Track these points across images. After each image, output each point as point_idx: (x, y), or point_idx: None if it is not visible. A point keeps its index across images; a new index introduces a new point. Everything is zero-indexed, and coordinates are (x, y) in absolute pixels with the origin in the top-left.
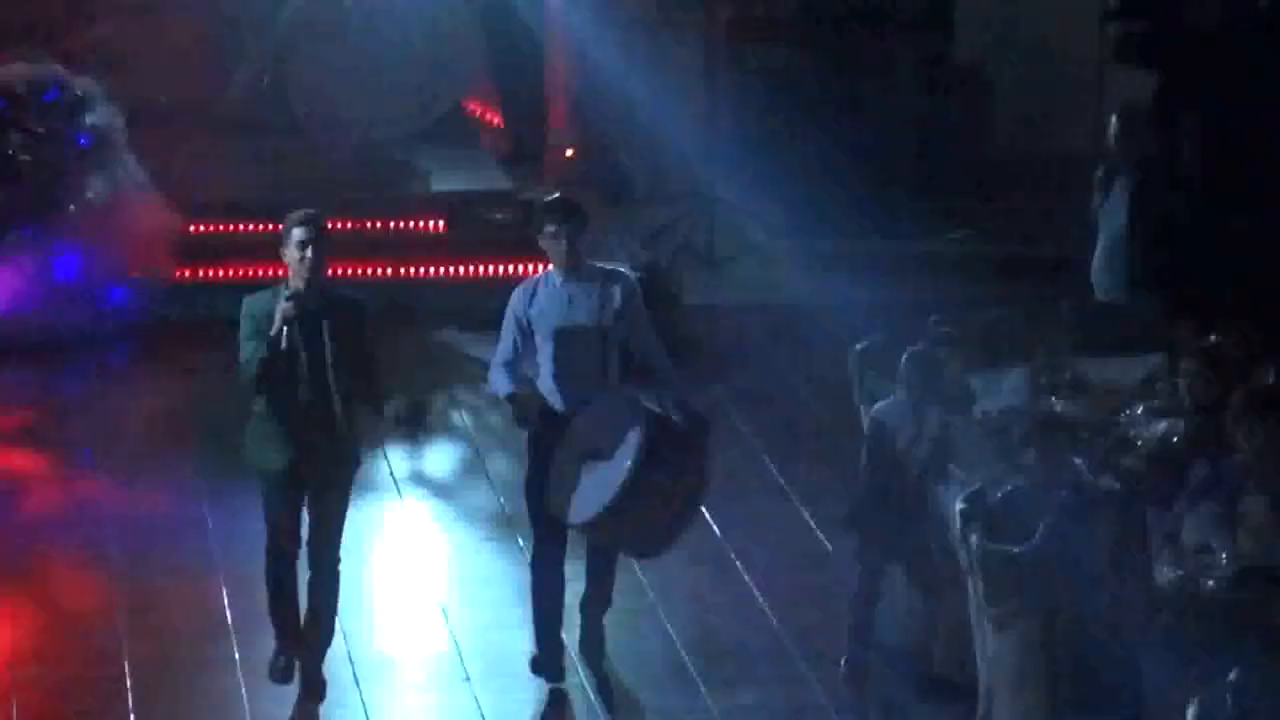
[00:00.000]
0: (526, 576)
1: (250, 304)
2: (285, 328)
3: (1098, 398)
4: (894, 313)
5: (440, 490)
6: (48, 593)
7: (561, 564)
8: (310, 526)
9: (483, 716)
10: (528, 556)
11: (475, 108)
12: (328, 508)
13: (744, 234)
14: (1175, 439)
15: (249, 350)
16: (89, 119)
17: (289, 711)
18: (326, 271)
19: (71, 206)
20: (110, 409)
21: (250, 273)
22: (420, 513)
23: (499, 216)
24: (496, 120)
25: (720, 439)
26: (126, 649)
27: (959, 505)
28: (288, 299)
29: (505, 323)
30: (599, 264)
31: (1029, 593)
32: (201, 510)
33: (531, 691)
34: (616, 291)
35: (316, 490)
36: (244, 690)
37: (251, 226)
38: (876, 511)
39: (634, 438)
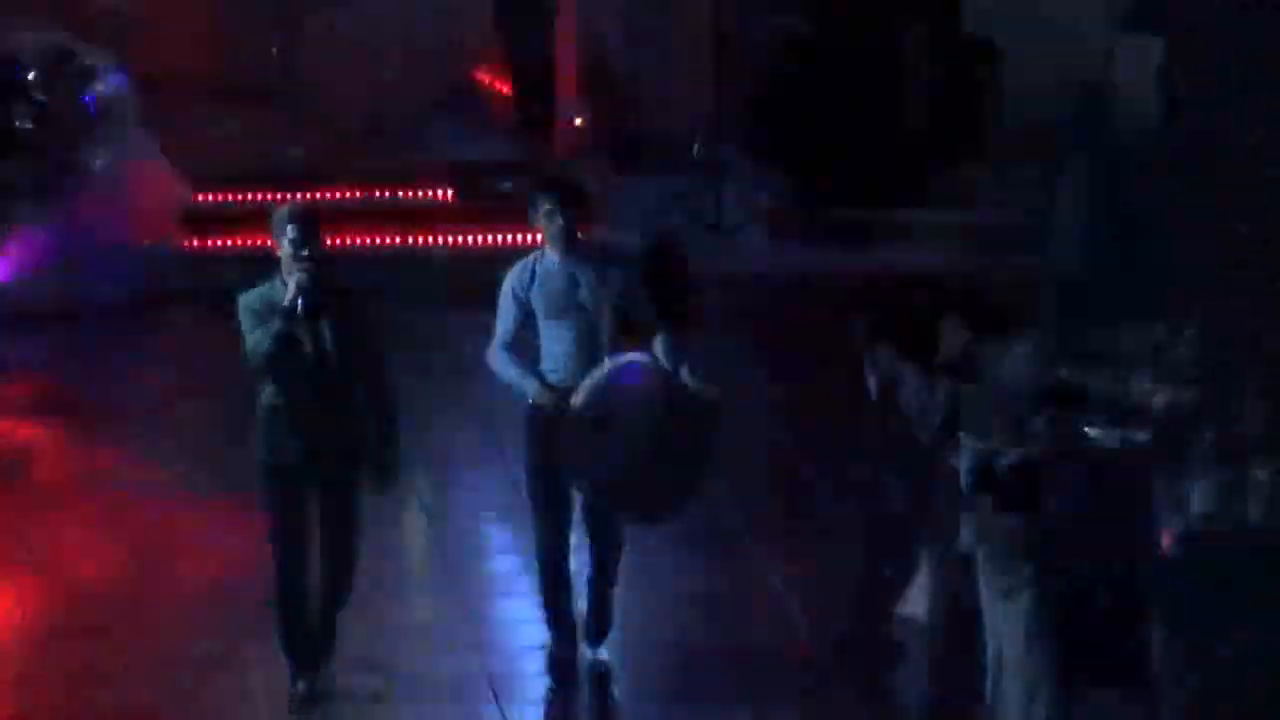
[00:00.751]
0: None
1: (247, 299)
2: (300, 299)
3: (1105, 366)
4: (902, 281)
5: (450, 461)
6: (58, 561)
7: (566, 551)
8: (324, 526)
9: (490, 686)
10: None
11: (484, 77)
12: (342, 504)
13: (752, 203)
14: (1183, 407)
15: (255, 338)
16: (97, 88)
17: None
18: (321, 263)
19: (79, 176)
20: (118, 378)
21: (258, 241)
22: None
23: (508, 185)
24: (505, 89)
25: (727, 408)
26: (137, 617)
27: (965, 474)
28: (300, 273)
29: (502, 302)
30: (594, 241)
31: (1037, 563)
32: (203, 482)
33: (539, 662)
34: (616, 269)
35: (327, 487)
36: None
37: (259, 195)
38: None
39: (650, 400)
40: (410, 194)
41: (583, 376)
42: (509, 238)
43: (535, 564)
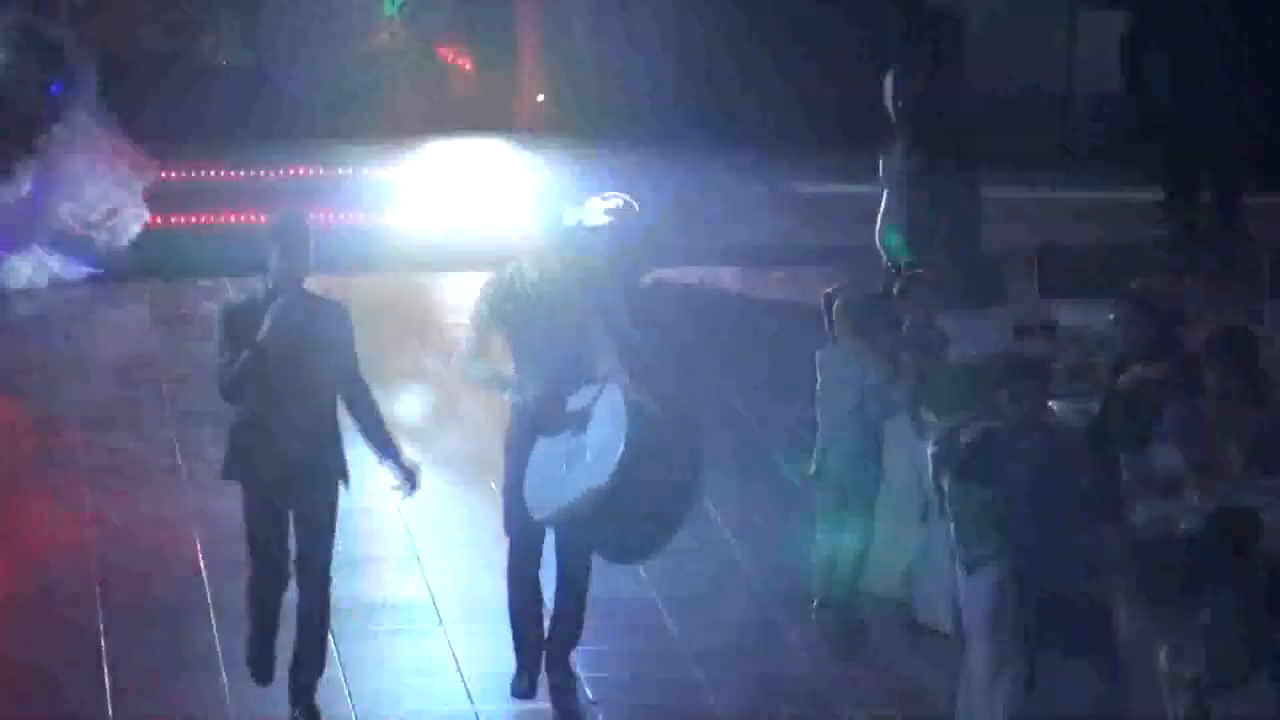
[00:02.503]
0: (495, 521)
1: (230, 310)
2: (275, 339)
3: (1069, 341)
4: (866, 256)
5: (412, 434)
6: (20, 541)
7: (538, 577)
8: (297, 543)
9: (455, 661)
10: (500, 501)
11: (446, 52)
12: (315, 523)
13: (714, 177)
14: (1146, 382)
15: (224, 362)
16: (60, 67)
17: None
18: (307, 276)
19: (43, 154)
20: (83, 356)
21: (223, 219)
22: None
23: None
24: (466, 65)
25: (694, 383)
26: (99, 596)
27: (931, 449)
28: (278, 306)
29: (474, 316)
30: (568, 256)
31: (1001, 536)
32: (175, 457)
33: (505, 636)
34: (590, 284)
35: (302, 506)
36: (217, 635)
37: (224, 173)
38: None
39: (621, 427)
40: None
41: (556, 395)
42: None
43: (505, 586)
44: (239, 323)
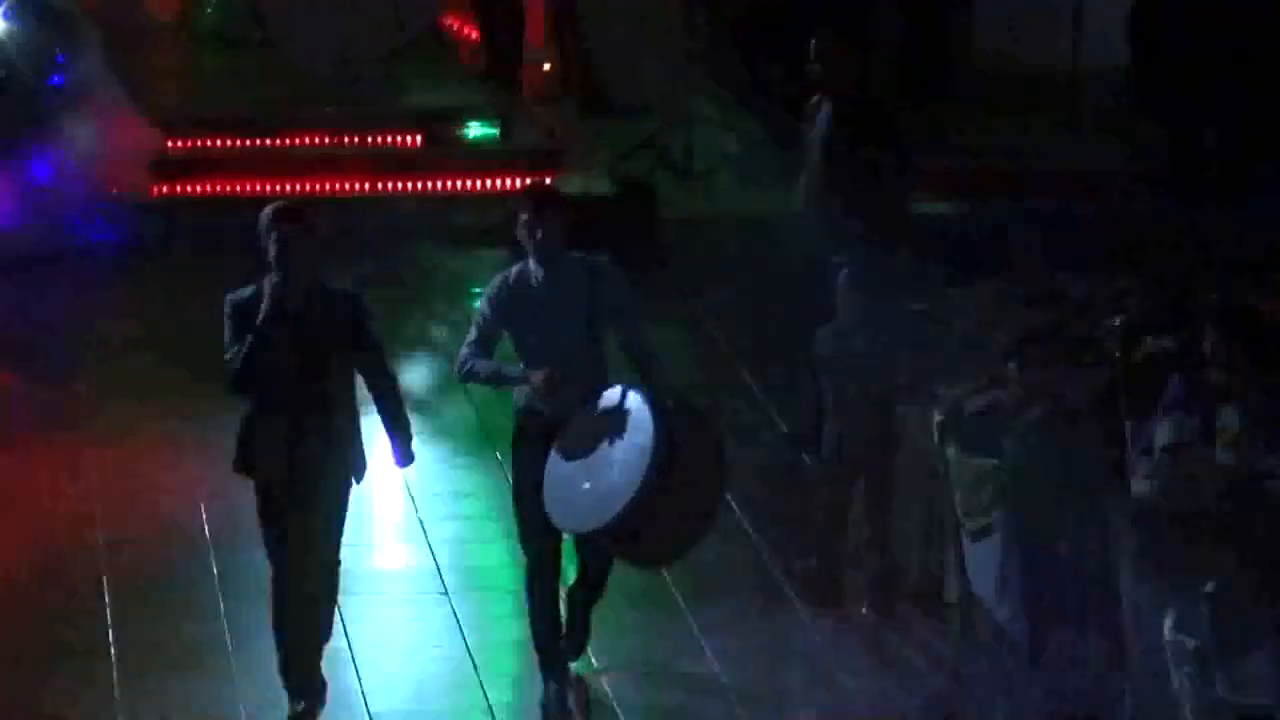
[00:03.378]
0: (504, 490)
1: (235, 300)
2: (274, 321)
3: (1074, 311)
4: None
5: (417, 404)
6: (25, 512)
7: (557, 582)
8: (307, 541)
9: (460, 630)
10: (506, 472)
11: (452, 22)
12: (324, 514)
13: (721, 147)
14: (1153, 353)
15: (230, 354)
16: (65, 36)
17: (266, 624)
18: (313, 267)
19: (47, 124)
20: (87, 327)
21: (228, 189)
22: None
23: (475, 131)
24: (474, 35)
25: (697, 352)
26: (105, 564)
27: (937, 418)
28: (275, 287)
29: (477, 317)
30: (577, 254)
31: (1007, 505)
32: (180, 427)
33: (509, 605)
34: (602, 283)
35: (311, 497)
36: (221, 603)
37: (229, 142)
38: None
39: (646, 438)
40: (378, 140)
41: (566, 400)
42: (477, 184)
43: (525, 594)
44: (244, 316)
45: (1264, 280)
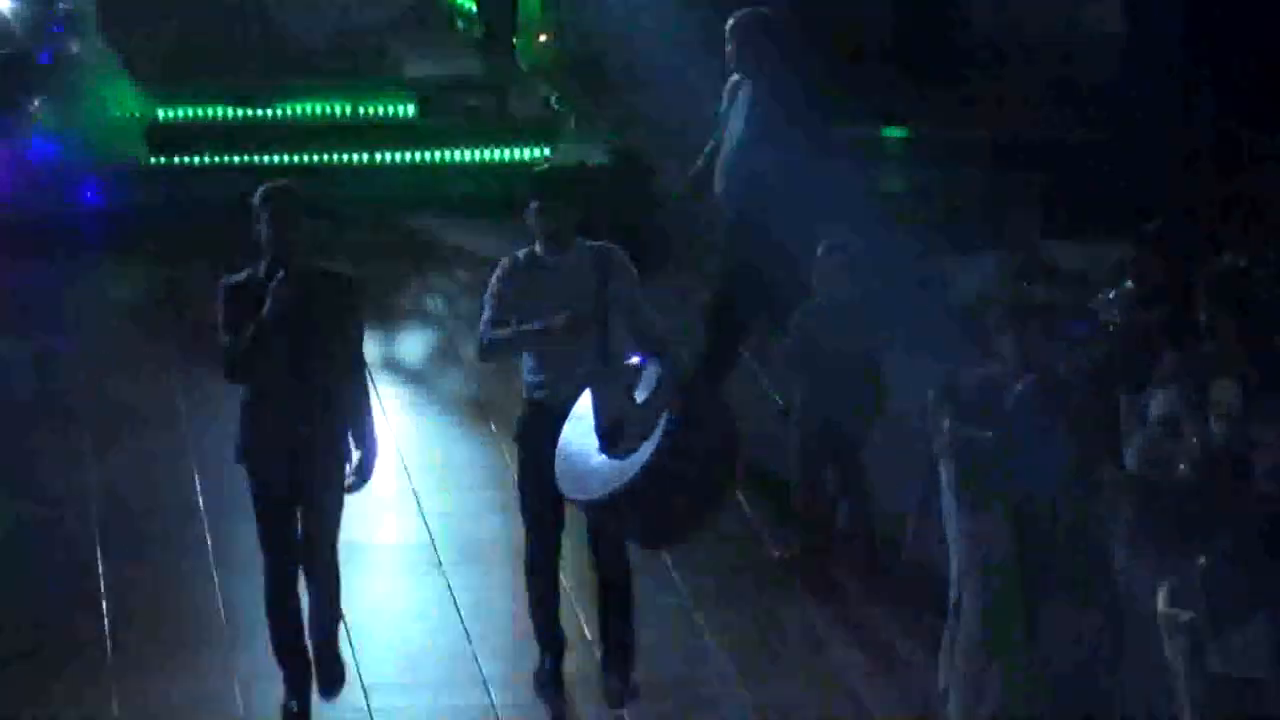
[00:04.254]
0: (498, 462)
1: (229, 286)
2: (279, 310)
3: (1070, 283)
4: (868, 198)
5: (412, 376)
6: (19, 480)
7: (557, 566)
8: (303, 525)
9: (455, 602)
10: (502, 445)
11: None
12: (322, 506)
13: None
14: (1149, 323)
15: (228, 344)
16: (60, 5)
17: (259, 593)
18: (303, 246)
19: (43, 93)
20: (81, 296)
21: (222, 159)
22: (392, 399)
23: (472, 102)
24: (469, 4)
25: (690, 323)
26: (99, 535)
27: (931, 391)
28: (278, 280)
29: (491, 293)
30: (588, 241)
31: (1000, 478)
32: (173, 396)
33: (503, 576)
34: (611, 270)
35: (309, 489)
36: (215, 572)
37: (223, 113)
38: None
39: (658, 414)
40: (373, 111)
41: (574, 390)
42: (473, 154)
43: (525, 576)
44: (239, 300)
45: (1258, 251)
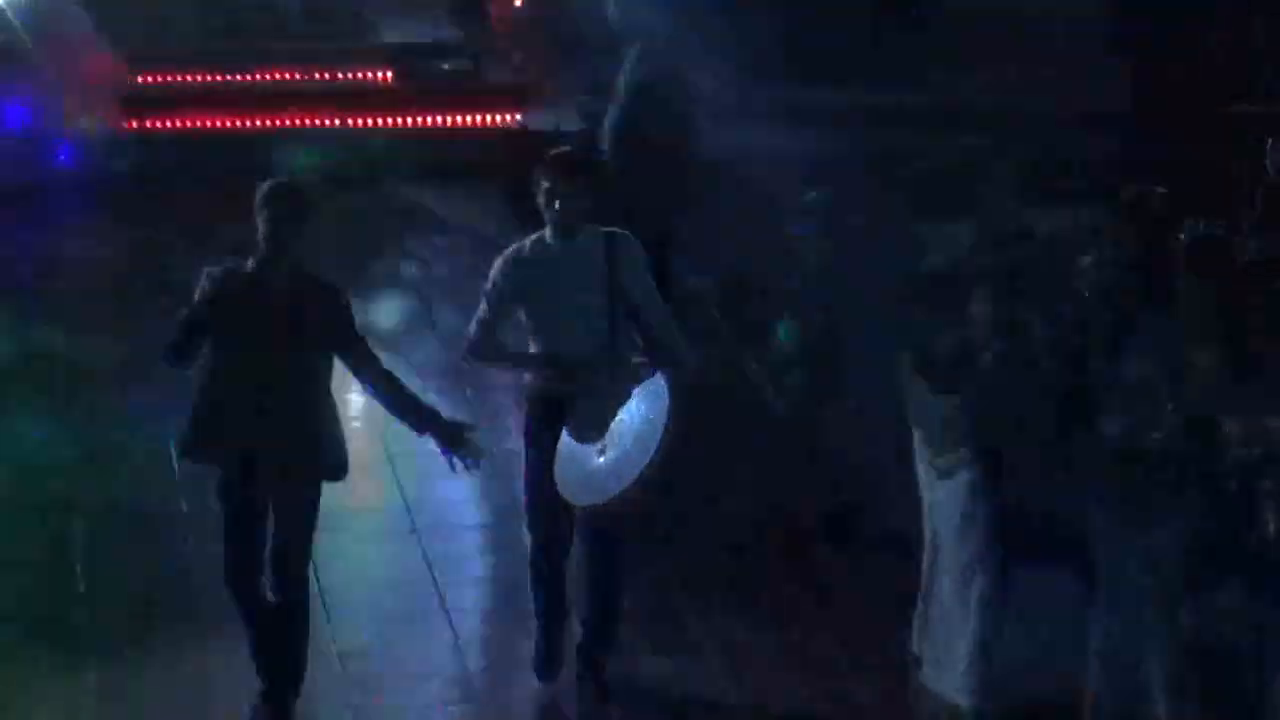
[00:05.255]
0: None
1: (209, 275)
2: (211, 302)
3: (1044, 248)
4: (843, 163)
5: (387, 343)
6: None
7: (564, 567)
8: (273, 535)
9: (429, 568)
10: (477, 409)
11: None
12: (290, 517)
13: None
14: (1121, 289)
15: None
16: None
17: None
18: (297, 250)
19: (17, 58)
20: (56, 259)
21: (198, 123)
22: None
23: (447, 67)
24: None
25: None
26: (74, 501)
27: (904, 355)
28: (223, 272)
29: (489, 287)
30: (598, 227)
31: (973, 443)
32: (147, 360)
33: (477, 542)
34: (621, 256)
35: (277, 496)
36: (191, 540)
37: (199, 77)
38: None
39: (662, 411)
40: (349, 76)
41: (580, 379)
42: (449, 119)
43: (530, 569)
44: (216, 292)
45: (1234, 217)
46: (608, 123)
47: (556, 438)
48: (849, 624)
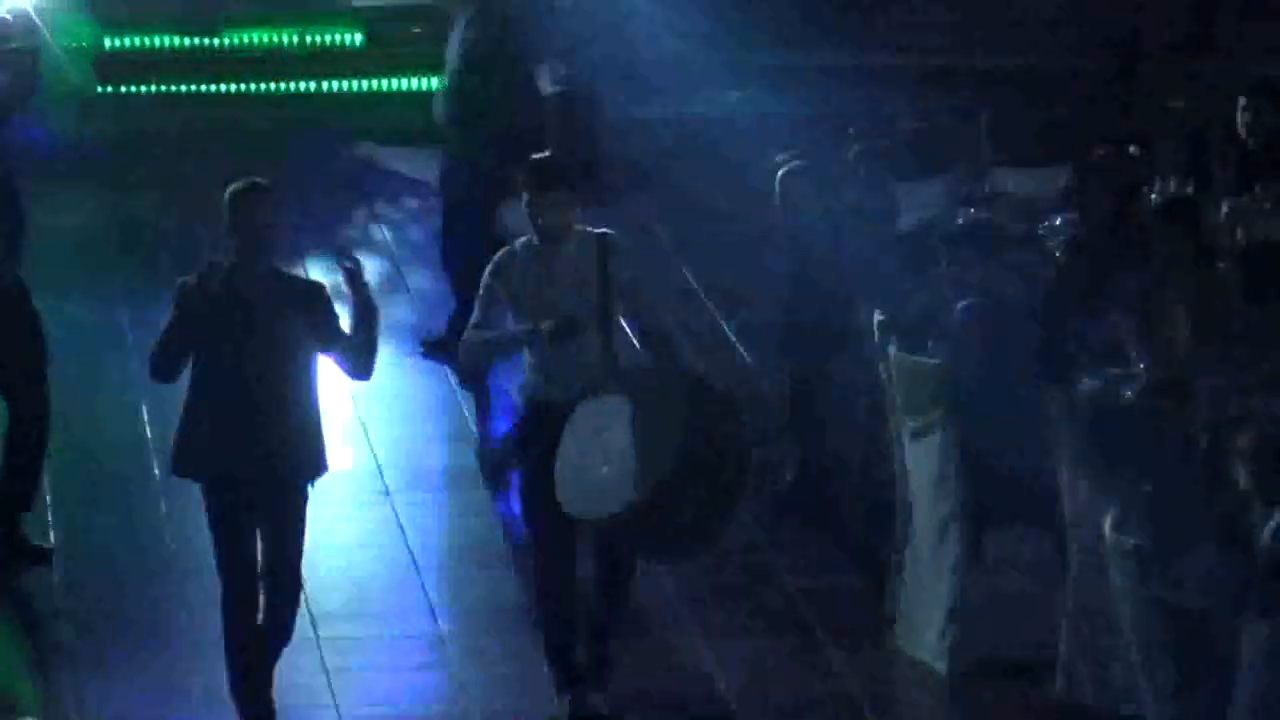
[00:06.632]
0: (445, 389)
1: (183, 285)
2: (200, 306)
3: (1016, 209)
4: (814, 125)
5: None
6: None
7: (573, 574)
8: (263, 551)
9: (401, 530)
10: (451, 375)
11: None
12: (281, 525)
13: (665, 46)
14: (1092, 250)
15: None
16: None
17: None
18: (278, 250)
19: None
20: (30, 225)
21: (169, 88)
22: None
23: (417, 30)
24: None
25: (641, 253)
26: (45, 465)
27: (878, 316)
28: (205, 275)
29: (483, 290)
30: (589, 229)
31: (947, 403)
32: (122, 326)
33: (450, 504)
34: (613, 259)
35: (265, 507)
36: (163, 506)
37: (170, 42)
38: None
39: (671, 410)
40: (319, 39)
41: (576, 389)
42: (419, 83)
43: (538, 597)
44: (191, 299)
45: (1205, 178)
46: (441, 87)
47: (554, 442)
48: (822, 588)
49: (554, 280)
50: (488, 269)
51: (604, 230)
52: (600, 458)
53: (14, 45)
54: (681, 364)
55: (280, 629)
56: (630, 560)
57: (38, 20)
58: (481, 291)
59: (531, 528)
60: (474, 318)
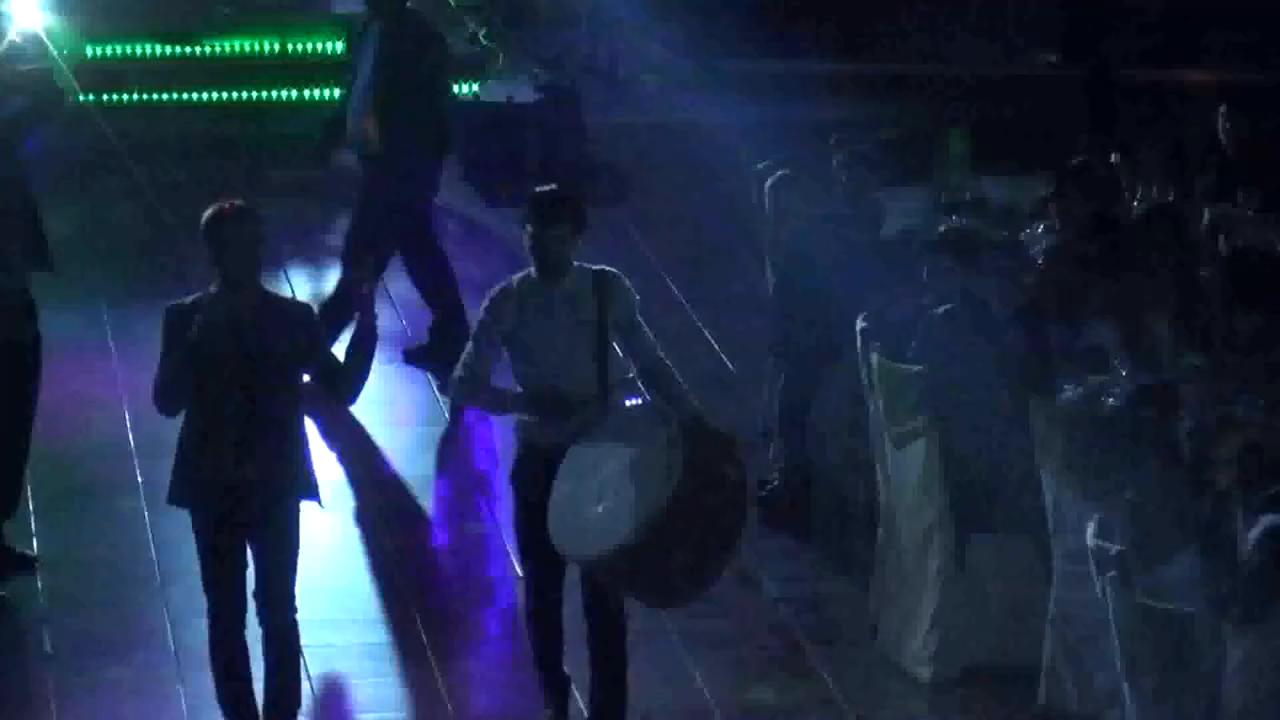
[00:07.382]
0: (430, 398)
1: (170, 314)
2: (213, 335)
3: (997, 216)
4: (795, 133)
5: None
6: None
7: (559, 616)
8: (256, 574)
9: (385, 537)
10: (433, 382)
11: None
12: (276, 549)
13: (646, 54)
14: (1079, 258)
15: (161, 367)
16: None
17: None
18: (259, 271)
19: None
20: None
21: (151, 97)
22: None
23: None
24: None
25: (621, 260)
26: (28, 472)
27: (860, 324)
28: (213, 299)
29: (479, 326)
30: (587, 266)
31: (930, 411)
32: (104, 334)
33: (433, 510)
34: (611, 296)
35: (259, 530)
36: (145, 512)
37: (152, 50)
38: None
39: (668, 450)
40: (299, 47)
41: (570, 427)
42: None
43: (523, 621)
44: (181, 327)
45: (1188, 184)
46: (359, 90)
47: (548, 478)
48: (806, 595)
49: (552, 314)
50: (483, 306)
51: (603, 267)
52: (594, 498)
53: (29, 66)
54: (682, 405)
55: (287, 642)
56: (618, 600)
57: (47, 40)
58: (476, 328)
59: (522, 564)
60: (466, 353)
